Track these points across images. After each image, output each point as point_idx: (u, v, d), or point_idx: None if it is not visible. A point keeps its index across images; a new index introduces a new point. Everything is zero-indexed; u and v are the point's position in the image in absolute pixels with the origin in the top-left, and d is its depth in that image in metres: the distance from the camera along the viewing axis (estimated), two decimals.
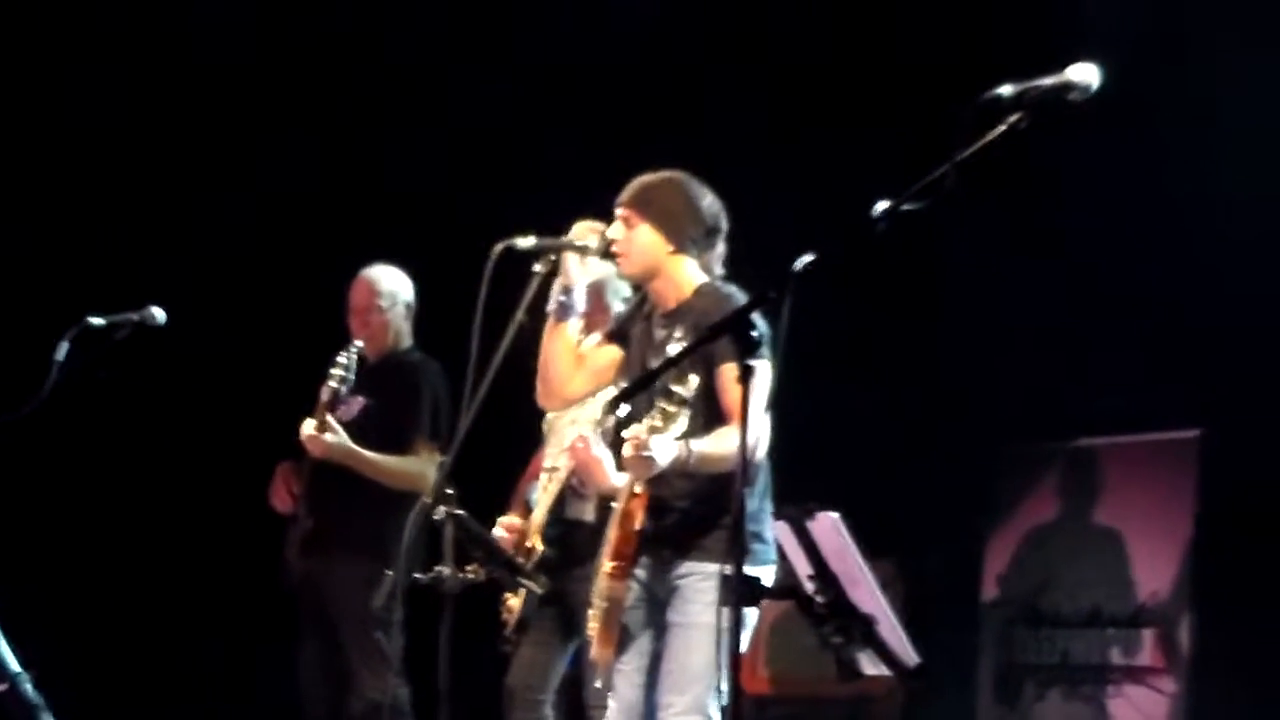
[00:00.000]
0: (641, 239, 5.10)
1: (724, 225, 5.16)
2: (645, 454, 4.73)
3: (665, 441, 4.75)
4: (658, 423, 4.71)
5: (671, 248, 5.09)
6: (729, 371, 4.76)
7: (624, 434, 4.86)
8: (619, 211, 5.14)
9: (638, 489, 4.98)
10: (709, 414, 4.91)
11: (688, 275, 5.11)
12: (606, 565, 5.03)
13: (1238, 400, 6.84)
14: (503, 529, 6.07)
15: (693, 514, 4.97)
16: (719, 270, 5.15)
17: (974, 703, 7.34)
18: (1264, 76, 6.63)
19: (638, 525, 4.98)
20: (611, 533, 5.06)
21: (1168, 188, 6.94)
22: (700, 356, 4.79)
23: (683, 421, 4.72)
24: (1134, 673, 6.99)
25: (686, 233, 5.09)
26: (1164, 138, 6.88)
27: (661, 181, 5.16)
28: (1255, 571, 6.80)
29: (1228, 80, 6.72)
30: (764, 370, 4.60)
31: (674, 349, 4.79)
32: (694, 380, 4.72)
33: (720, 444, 4.84)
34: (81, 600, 7.81)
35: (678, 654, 4.96)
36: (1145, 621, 7.02)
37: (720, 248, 5.16)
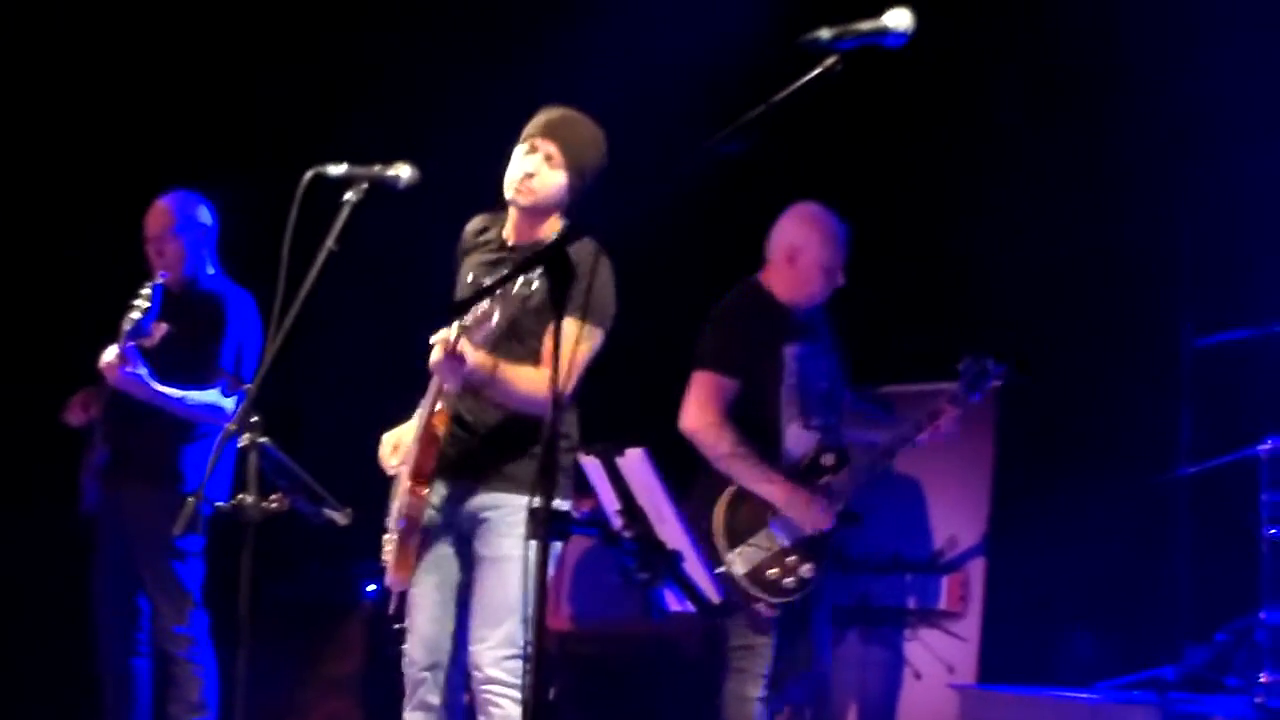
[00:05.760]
0: (555, 184, 5.10)
1: None
2: (455, 355, 4.71)
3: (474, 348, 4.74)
4: (468, 323, 4.69)
5: (567, 203, 5.12)
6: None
7: (431, 339, 4.82)
8: (548, 146, 5.11)
9: (438, 406, 4.94)
10: (532, 351, 4.92)
11: (555, 225, 5.13)
12: (405, 482, 4.97)
13: (1033, 352, 6.95)
14: None
15: (494, 439, 4.96)
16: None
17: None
18: None
19: (440, 442, 4.95)
20: (412, 447, 5.01)
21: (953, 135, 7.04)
22: (545, 300, 4.73)
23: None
24: (929, 616, 7.10)
25: (581, 193, 5.12)
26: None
27: (593, 137, 5.16)
28: (1046, 520, 6.94)
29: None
30: (571, 325, 4.56)
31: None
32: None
33: (525, 379, 4.85)
34: None
35: (490, 588, 4.94)
36: (941, 567, 7.13)
37: None
